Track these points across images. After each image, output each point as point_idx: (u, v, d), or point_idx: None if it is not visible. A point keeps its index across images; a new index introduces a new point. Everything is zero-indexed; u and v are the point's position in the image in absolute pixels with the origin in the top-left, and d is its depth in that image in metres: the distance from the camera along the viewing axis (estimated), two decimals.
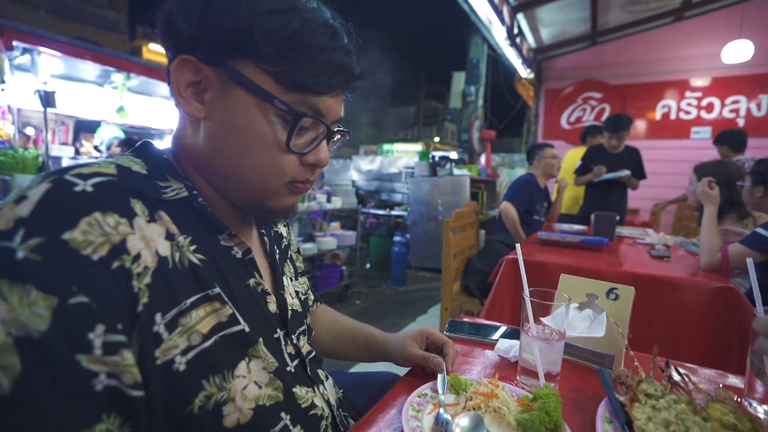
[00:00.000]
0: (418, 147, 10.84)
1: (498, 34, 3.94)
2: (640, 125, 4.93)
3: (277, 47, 0.44)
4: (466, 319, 0.95)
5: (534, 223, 2.72)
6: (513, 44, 4.20)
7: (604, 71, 5.15)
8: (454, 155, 7.87)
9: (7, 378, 0.31)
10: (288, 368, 0.54)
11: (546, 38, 4.94)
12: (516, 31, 4.27)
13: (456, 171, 5.04)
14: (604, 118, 4.90)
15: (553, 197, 3.10)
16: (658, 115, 4.94)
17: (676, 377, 0.57)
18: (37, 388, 0.32)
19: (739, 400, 0.51)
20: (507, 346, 0.77)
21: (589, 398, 0.60)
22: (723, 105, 4.62)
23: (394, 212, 5.91)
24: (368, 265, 5.19)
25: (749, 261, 0.52)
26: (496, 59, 5.02)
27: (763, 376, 0.49)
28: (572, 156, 3.95)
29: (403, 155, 9.34)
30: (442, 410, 0.54)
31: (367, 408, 0.58)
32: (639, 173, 3.15)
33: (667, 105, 4.88)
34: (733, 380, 0.68)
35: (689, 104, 4.77)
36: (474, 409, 0.54)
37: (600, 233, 2.15)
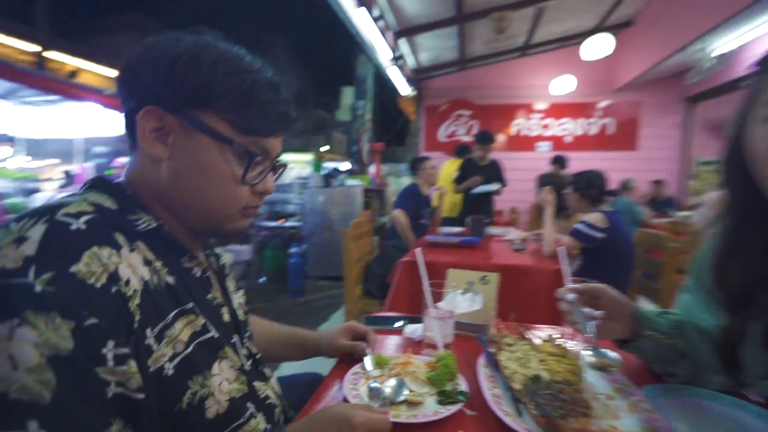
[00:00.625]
0: (309, 157, 10.81)
1: (382, 55, 4.31)
2: (500, 139, 5.89)
3: (233, 101, 0.55)
4: (377, 314, 1.13)
5: (420, 227, 3.09)
6: (396, 65, 4.63)
7: (471, 92, 6.02)
8: (345, 165, 8.11)
9: (48, 390, 0.37)
10: (245, 366, 0.63)
11: (424, 61, 5.54)
12: (398, 53, 4.71)
13: (348, 181, 5.27)
14: (473, 132, 5.72)
15: (434, 203, 3.55)
16: (513, 131, 5.98)
17: (526, 333, 0.84)
18: (68, 398, 0.38)
19: (560, 340, 0.79)
20: (412, 330, 0.97)
21: (473, 356, 0.82)
22: (558, 125, 5.83)
23: (288, 223, 5.84)
24: (264, 279, 5.05)
25: (560, 250, 0.80)
26: (381, 76, 5.42)
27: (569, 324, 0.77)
28: (448, 167, 4.55)
29: (294, 165, 9.23)
30: (372, 381, 0.70)
31: (301, 405, 0.69)
32: (500, 181, 3.82)
33: (519, 123, 5.97)
34: (562, 329, 0.99)
35: (534, 123, 5.91)
36: (396, 375, 0.72)
37: (474, 233, 2.58)
